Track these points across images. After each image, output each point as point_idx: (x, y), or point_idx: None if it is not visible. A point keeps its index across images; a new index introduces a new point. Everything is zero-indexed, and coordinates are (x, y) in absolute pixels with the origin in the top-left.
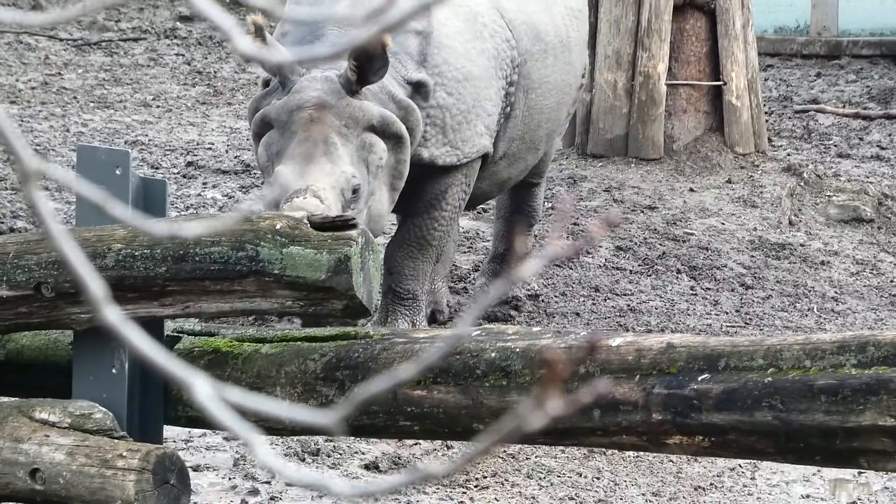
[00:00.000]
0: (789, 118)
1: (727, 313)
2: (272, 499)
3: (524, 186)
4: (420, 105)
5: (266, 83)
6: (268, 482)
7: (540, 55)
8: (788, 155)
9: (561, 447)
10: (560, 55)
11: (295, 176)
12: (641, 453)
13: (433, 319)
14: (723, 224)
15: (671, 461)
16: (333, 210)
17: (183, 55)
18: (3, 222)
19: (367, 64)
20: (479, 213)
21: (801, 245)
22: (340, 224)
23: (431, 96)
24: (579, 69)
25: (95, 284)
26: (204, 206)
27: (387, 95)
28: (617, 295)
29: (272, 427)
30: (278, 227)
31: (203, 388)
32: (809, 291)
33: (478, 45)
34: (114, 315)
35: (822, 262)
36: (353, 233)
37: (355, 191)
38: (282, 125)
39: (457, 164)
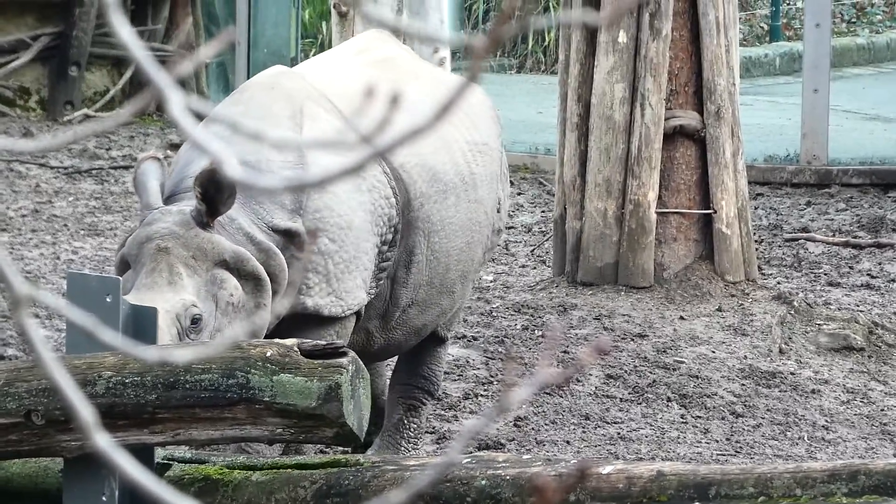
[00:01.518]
0: (779, 246)
1: (718, 441)
2: None
3: (427, 344)
4: (295, 256)
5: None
6: None
7: (439, 196)
8: (779, 283)
9: None
10: (463, 194)
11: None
12: None
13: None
14: (713, 352)
15: None
16: (164, 336)
17: None
18: None
19: (216, 193)
20: (470, 340)
21: (792, 373)
22: (331, 352)
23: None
24: (490, 204)
25: (86, 411)
26: None
27: (244, 236)
28: (607, 423)
29: None
30: (269, 354)
31: None
32: (800, 420)
33: (357, 196)
34: (104, 442)
35: (813, 391)
36: (344, 360)
37: (195, 321)
38: (133, 258)
39: (339, 317)
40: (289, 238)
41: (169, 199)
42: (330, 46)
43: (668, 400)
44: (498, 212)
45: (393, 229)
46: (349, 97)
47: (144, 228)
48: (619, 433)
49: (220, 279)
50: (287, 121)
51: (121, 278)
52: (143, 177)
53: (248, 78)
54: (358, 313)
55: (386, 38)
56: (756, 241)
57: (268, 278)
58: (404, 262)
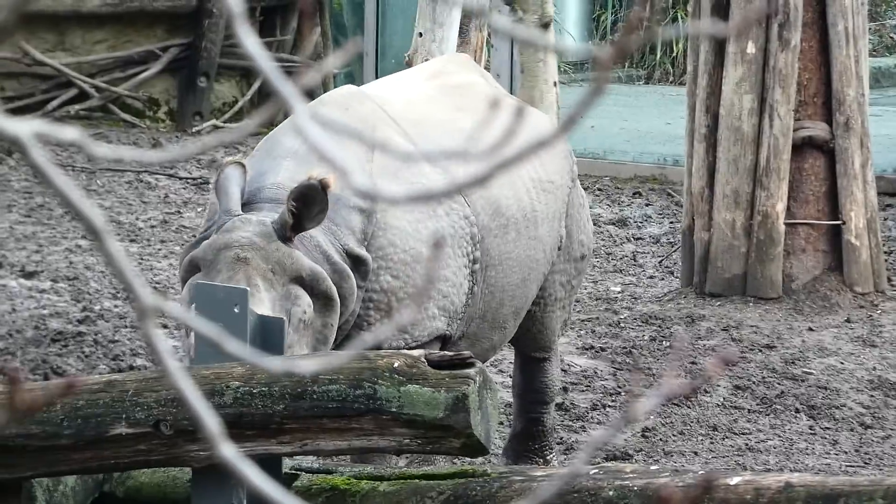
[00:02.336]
0: None
1: (846, 453)
2: None
3: (532, 363)
4: (358, 284)
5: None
6: None
7: (500, 230)
8: None
9: None
10: (524, 230)
11: None
12: None
13: None
14: (842, 363)
15: None
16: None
17: None
18: (122, 360)
19: (305, 208)
20: (597, 351)
21: None
22: (458, 362)
23: (375, 280)
24: (549, 243)
25: (212, 422)
26: None
27: (321, 255)
28: (735, 434)
29: None
30: (396, 365)
31: None
32: None
33: (430, 224)
34: (231, 452)
35: None
36: (471, 371)
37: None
38: (207, 264)
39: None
40: (356, 264)
41: (244, 206)
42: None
43: (797, 411)
44: (559, 249)
45: (478, 248)
46: (417, 122)
47: (224, 235)
48: (747, 444)
49: (294, 295)
50: (357, 144)
51: (248, 289)
52: (225, 182)
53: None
54: (445, 338)
55: (465, 62)
56: (885, 252)
57: (338, 300)
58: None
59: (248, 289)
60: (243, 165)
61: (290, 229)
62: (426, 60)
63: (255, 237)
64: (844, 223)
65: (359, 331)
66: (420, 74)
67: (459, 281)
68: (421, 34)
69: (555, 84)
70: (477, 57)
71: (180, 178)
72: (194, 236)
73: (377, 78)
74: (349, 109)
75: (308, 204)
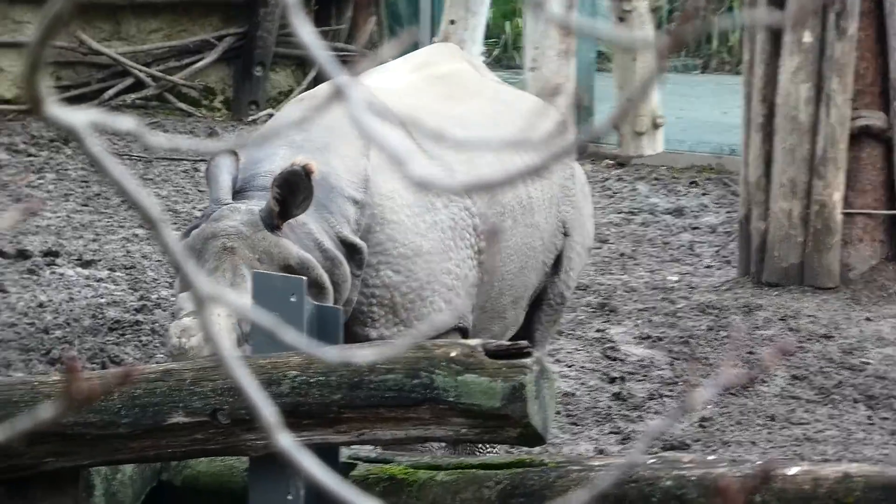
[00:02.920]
0: None
1: None
2: None
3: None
4: (353, 272)
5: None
6: None
7: (496, 218)
8: None
9: None
10: (520, 217)
11: (193, 302)
12: None
13: None
14: None
15: None
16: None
17: None
18: None
19: (291, 194)
20: (654, 341)
21: None
22: (515, 352)
23: (376, 275)
24: (547, 230)
25: (269, 411)
26: None
27: (313, 242)
28: (793, 424)
29: None
30: (453, 354)
31: None
32: None
33: (429, 217)
34: (288, 442)
35: None
36: (528, 360)
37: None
38: (196, 253)
39: None
40: (351, 252)
41: (237, 194)
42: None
43: (855, 401)
44: (565, 234)
45: (481, 237)
46: (410, 112)
47: (211, 224)
48: (804, 434)
49: None
50: (356, 138)
51: (304, 278)
52: (215, 170)
53: None
54: (463, 331)
55: (452, 51)
56: None
57: (331, 287)
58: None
59: (304, 279)
60: (235, 154)
61: (276, 217)
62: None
63: (242, 226)
64: None
65: (362, 327)
66: (404, 66)
67: (464, 273)
68: (452, 21)
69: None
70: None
71: None
72: (187, 225)
73: None
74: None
75: (293, 191)
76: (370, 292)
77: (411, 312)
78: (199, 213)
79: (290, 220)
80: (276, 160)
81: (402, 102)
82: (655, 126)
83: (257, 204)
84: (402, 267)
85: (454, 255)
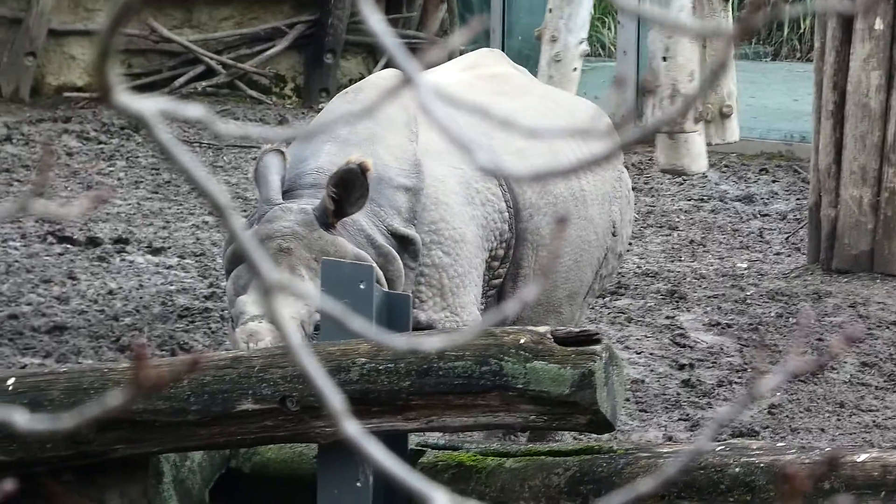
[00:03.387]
0: None
1: None
2: None
3: None
4: (408, 265)
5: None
6: None
7: (548, 208)
8: None
9: None
10: (573, 209)
11: (255, 305)
12: None
13: None
14: None
15: None
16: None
17: None
18: None
19: (346, 193)
20: (723, 328)
21: None
22: (584, 339)
23: (426, 254)
24: (602, 225)
25: (337, 399)
26: None
27: (365, 239)
28: (862, 411)
29: None
30: (522, 341)
31: (444, 502)
32: None
33: (469, 210)
34: (356, 429)
35: None
36: (598, 347)
37: (318, 328)
38: None
39: None
40: (404, 244)
41: (285, 194)
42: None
43: None
44: (614, 235)
45: (504, 244)
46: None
47: (265, 225)
48: (874, 421)
49: None
50: (403, 127)
51: (374, 265)
52: (264, 169)
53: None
54: None
55: (498, 57)
56: None
57: (386, 284)
58: (511, 276)
59: (373, 266)
60: (282, 152)
61: (331, 216)
62: (553, 38)
63: (297, 226)
64: None
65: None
66: (454, 66)
67: (480, 273)
68: (550, 10)
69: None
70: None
71: None
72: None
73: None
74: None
75: (348, 189)
76: (419, 271)
77: (456, 298)
78: (247, 214)
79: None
80: (321, 156)
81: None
82: (723, 115)
83: (309, 202)
84: (452, 250)
85: (480, 254)
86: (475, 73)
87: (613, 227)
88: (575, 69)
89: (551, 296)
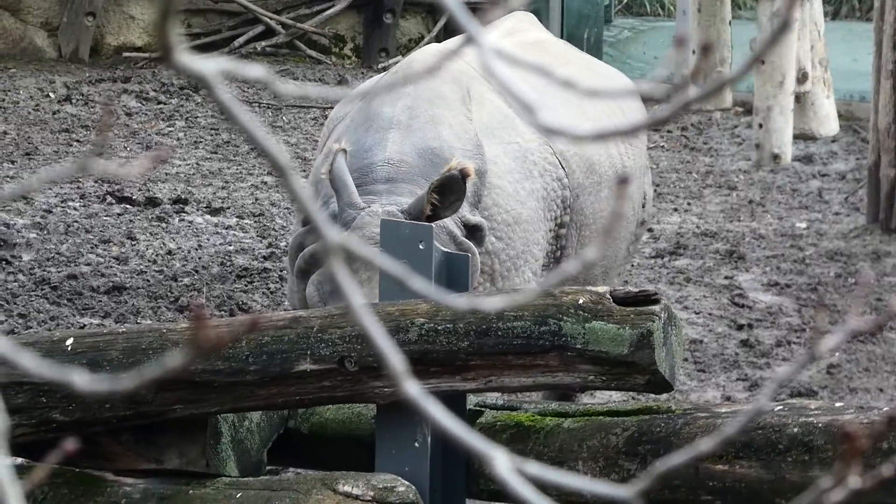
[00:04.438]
0: None
1: None
2: None
3: None
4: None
5: (307, 220)
6: None
7: (594, 189)
8: None
9: None
10: (615, 187)
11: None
12: None
13: None
14: None
15: None
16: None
17: None
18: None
19: (443, 197)
20: (782, 288)
21: None
22: (643, 298)
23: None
24: (637, 200)
25: (396, 359)
26: None
27: (448, 236)
28: None
29: (573, 501)
30: (581, 301)
31: (503, 462)
32: None
33: (527, 185)
34: (415, 389)
35: None
36: (657, 308)
37: None
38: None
39: None
40: (472, 232)
41: (357, 189)
42: None
43: None
44: (644, 207)
45: (568, 210)
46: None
47: (357, 232)
48: None
49: None
50: (458, 104)
51: (433, 225)
52: (340, 172)
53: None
54: None
55: (532, 20)
56: None
57: None
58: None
59: (433, 226)
60: (345, 151)
61: (425, 219)
62: None
63: None
64: None
65: None
66: (496, 32)
67: (545, 245)
68: None
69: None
70: None
71: None
72: (305, 220)
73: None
74: (442, 67)
75: (445, 193)
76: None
77: (507, 281)
78: (323, 218)
79: None
80: (388, 146)
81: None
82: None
83: (391, 202)
84: (504, 234)
85: (542, 227)
86: (517, 40)
87: (644, 199)
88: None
89: (588, 274)
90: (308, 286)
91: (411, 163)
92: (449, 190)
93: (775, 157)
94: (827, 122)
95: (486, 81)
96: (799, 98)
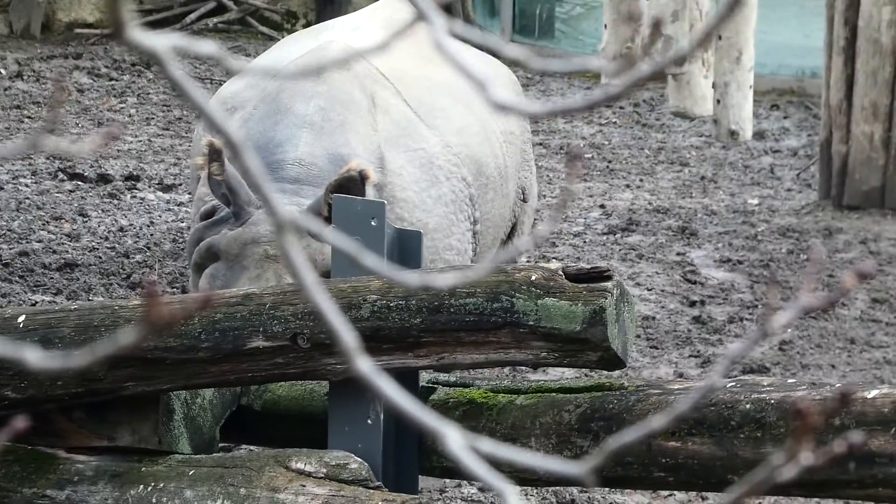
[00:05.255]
0: None
1: None
2: None
3: None
4: None
5: (207, 214)
6: None
7: (481, 191)
8: None
9: (816, 499)
10: (499, 188)
11: None
12: None
13: None
14: None
15: None
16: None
17: None
18: None
19: None
20: (735, 264)
21: None
22: (595, 275)
23: None
24: (512, 198)
25: (348, 336)
26: None
27: None
28: (873, 347)
29: (526, 478)
30: (533, 278)
31: (456, 439)
32: None
33: (434, 191)
34: (367, 366)
35: None
36: (609, 284)
37: None
38: (231, 257)
39: None
40: None
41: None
42: None
43: None
44: (524, 200)
45: (477, 206)
46: (399, 79)
47: (250, 228)
48: (885, 357)
49: None
50: (366, 112)
51: (385, 202)
52: (234, 171)
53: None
54: None
55: (404, 3)
56: None
57: None
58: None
59: (385, 202)
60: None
61: (325, 222)
62: None
63: None
64: None
65: None
66: (370, 23)
67: (464, 247)
68: None
69: None
70: None
71: None
72: (204, 214)
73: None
74: (350, 70)
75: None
76: None
77: None
78: (203, 205)
79: None
80: (300, 146)
81: (390, 66)
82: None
83: (293, 202)
84: None
85: (456, 230)
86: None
87: (523, 194)
88: None
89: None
90: (202, 279)
91: (321, 166)
92: (347, 192)
93: (732, 134)
94: (703, 102)
95: (389, 85)
96: (675, 77)
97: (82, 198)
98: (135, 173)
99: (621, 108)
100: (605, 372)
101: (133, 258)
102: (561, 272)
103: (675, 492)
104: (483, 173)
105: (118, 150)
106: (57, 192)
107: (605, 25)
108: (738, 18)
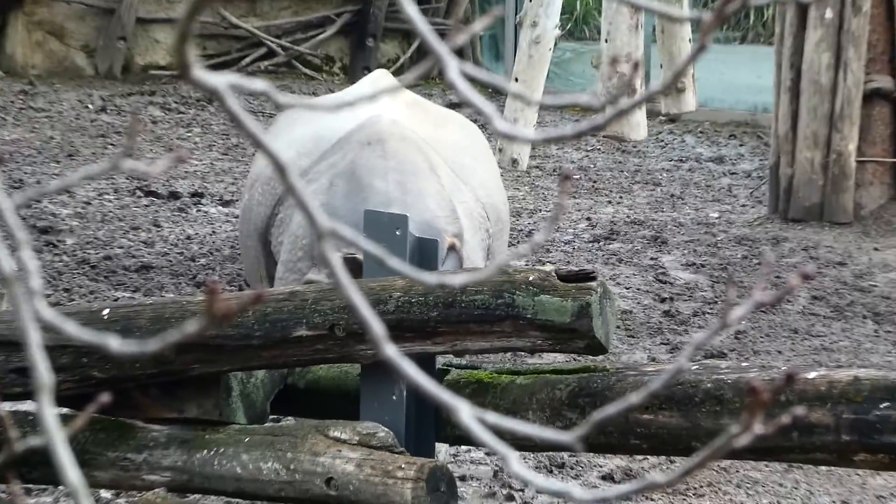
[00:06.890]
0: None
1: None
2: None
3: None
4: None
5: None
6: (521, 490)
7: (498, 234)
8: None
9: (765, 462)
10: (507, 231)
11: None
12: (832, 468)
13: None
14: None
15: (857, 474)
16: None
17: None
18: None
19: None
20: (698, 267)
21: None
22: (583, 276)
23: None
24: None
25: (377, 326)
26: None
27: None
28: (812, 336)
29: (525, 445)
30: (531, 278)
31: (466, 412)
32: None
33: (477, 237)
34: (393, 352)
35: None
36: (594, 284)
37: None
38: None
39: None
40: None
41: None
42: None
43: (864, 317)
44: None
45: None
46: (433, 141)
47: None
48: (822, 345)
49: None
50: (429, 172)
51: (407, 215)
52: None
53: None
54: None
55: (391, 78)
56: None
57: None
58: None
59: (407, 216)
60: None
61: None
62: (534, 23)
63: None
64: None
65: None
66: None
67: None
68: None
69: (689, 41)
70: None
71: None
72: None
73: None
74: (405, 139)
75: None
76: None
77: None
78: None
79: None
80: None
81: (420, 132)
82: (678, 90)
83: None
84: None
85: (481, 253)
86: (399, 101)
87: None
88: (550, 49)
89: None
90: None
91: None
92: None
93: (514, 162)
94: (637, 128)
95: (430, 149)
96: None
97: (156, 211)
98: (199, 191)
99: (605, 136)
100: (590, 357)
101: (198, 262)
102: (554, 273)
103: (649, 456)
104: (500, 218)
105: (185, 172)
106: (135, 207)
107: (596, 67)
108: (535, 67)
